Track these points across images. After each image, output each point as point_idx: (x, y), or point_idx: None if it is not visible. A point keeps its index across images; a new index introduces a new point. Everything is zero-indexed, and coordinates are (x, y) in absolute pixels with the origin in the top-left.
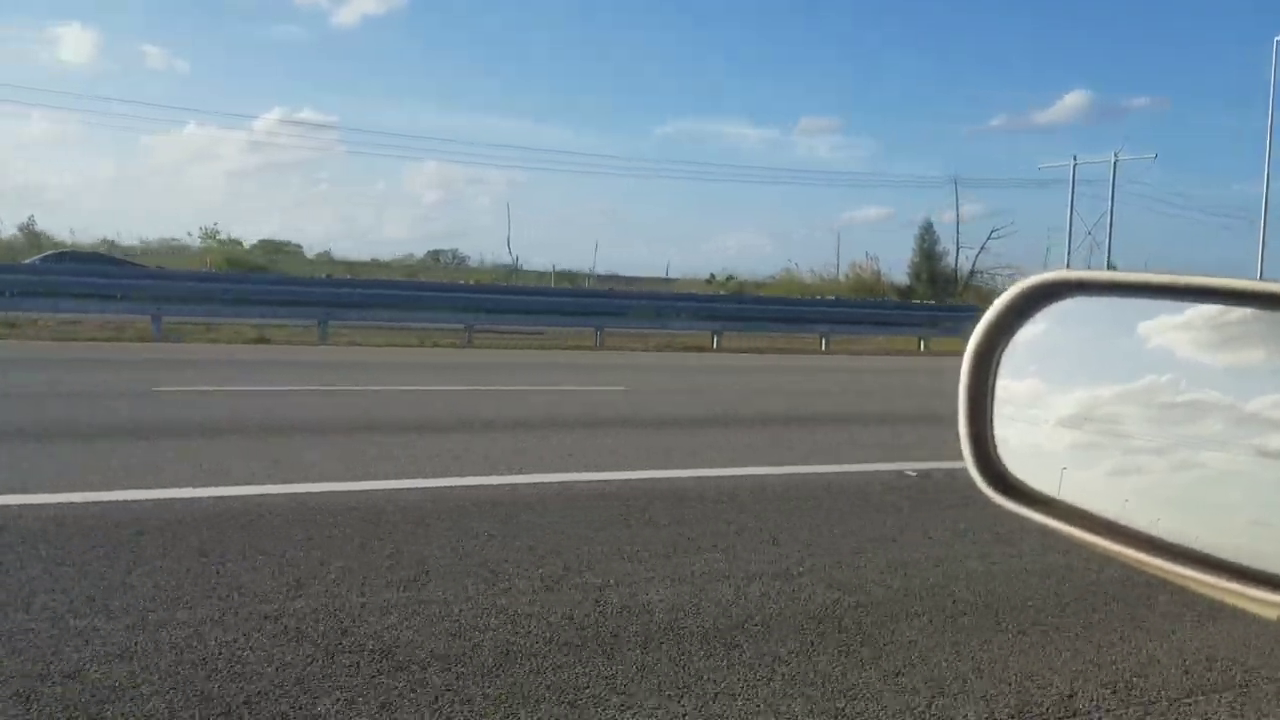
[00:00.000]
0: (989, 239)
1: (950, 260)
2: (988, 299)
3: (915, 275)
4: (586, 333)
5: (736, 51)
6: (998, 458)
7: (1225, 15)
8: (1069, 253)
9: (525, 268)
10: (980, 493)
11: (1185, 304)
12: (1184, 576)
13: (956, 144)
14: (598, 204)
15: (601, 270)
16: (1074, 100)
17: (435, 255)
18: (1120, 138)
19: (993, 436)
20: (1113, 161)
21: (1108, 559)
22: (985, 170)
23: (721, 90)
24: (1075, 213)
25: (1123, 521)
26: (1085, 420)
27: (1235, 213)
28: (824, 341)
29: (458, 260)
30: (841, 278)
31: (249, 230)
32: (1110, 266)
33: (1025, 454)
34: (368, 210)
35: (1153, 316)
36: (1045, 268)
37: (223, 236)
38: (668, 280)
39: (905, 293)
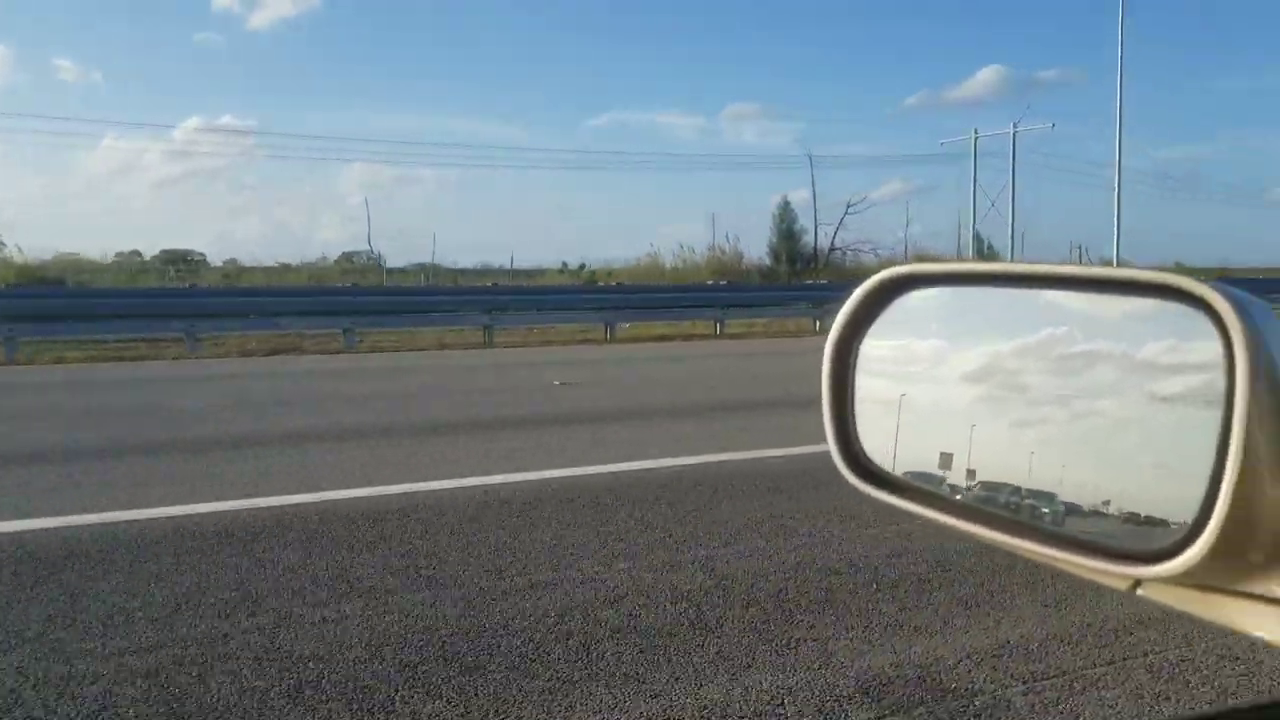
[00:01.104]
0: (845, 215)
1: (810, 239)
2: (847, 275)
3: (775, 255)
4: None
5: (663, 41)
6: (861, 448)
7: None
8: (974, 223)
9: (390, 265)
10: (847, 483)
11: (1016, 289)
12: (1038, 553)
13: (879, 123)
14: (531, 199)
15: (523, 265)
16: (987, 76)
17: (349, 257)
18: (1047, 110)
19: (855, 428)
20: (1012, 133)
21: (966, 540)
22: (908, 147)
23: (650, 80)
24: (979, 185)
25: (978, 505)
26: (947, 399)
27: (1145, 179)
28: (717, 325)
29: (373, 261)
30: (702, 261)
31: (181, 241)
32: (1013, 236)
33: (886, 442)
34: (297, 214)
35: (993, 300)
36: (906, 242)
37: (121, 249)
38: (518, 272)
39: (767, 274)
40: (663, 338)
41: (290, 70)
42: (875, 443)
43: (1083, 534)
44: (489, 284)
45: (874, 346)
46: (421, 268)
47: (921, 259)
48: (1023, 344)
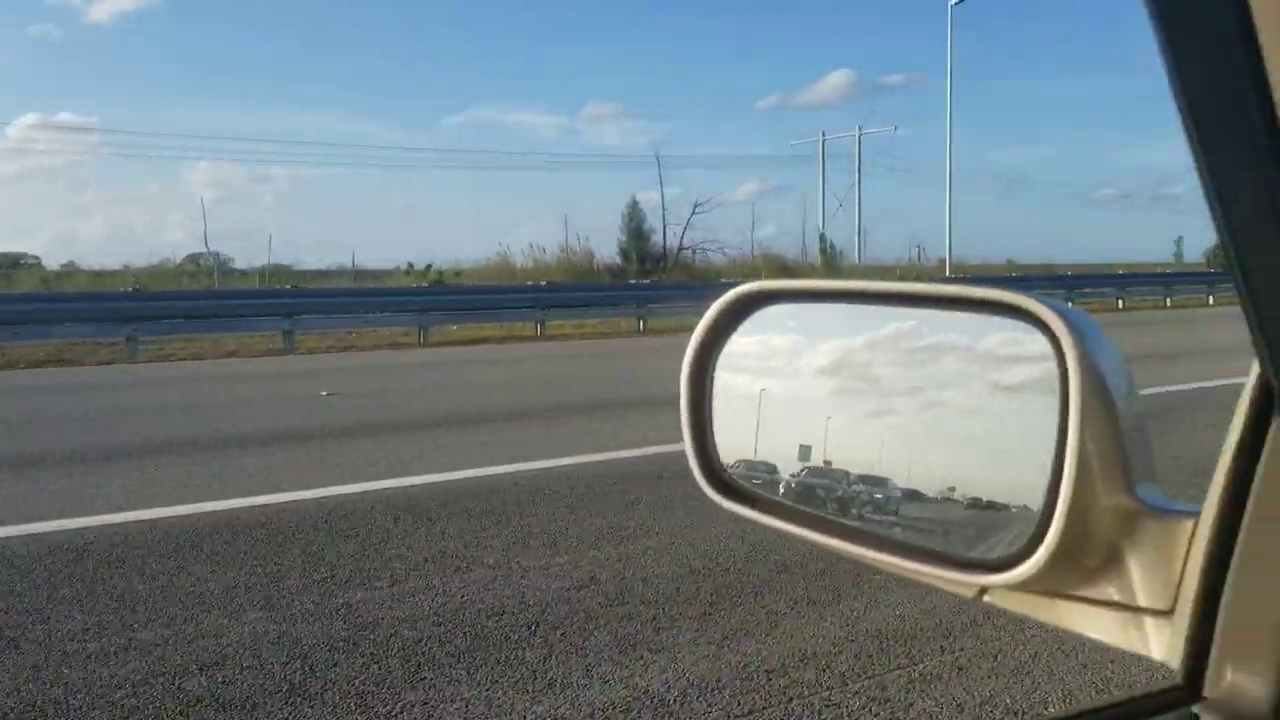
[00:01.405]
0: (693, 215)
1: (660, 238)
2: (697, 275)
3: (625, 255)
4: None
5: (520, 39)
6: (719, 463)
7: None
8: (822, 224)
9: (241, 267)
10: (705, 495)
11: (866, 306)
12: (889, 564)
13: (735, 125)
14: (386, 198)
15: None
16: (837, 79)
17: (195, 259)
18: (893, 113)
19: (714, 443)
20: (857, 136)
21: (818, 550)
22: (764, 148)
23: (509, 79)
24: (827, 186)
25: (830, 517)
26: (804, 392)
27: (984, 180)
28: (539, 327)
29: (221, 263)
30: (552, 261)
31: (18, 243)
32: (860, 236)
33: (747, 439)
34: (143, 215)
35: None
36: (753, 242)
37: None
38: (362, 273)
39: (618, 272)
40: (483, 340)
41: (134, 65)
42: (736, 438)
43: (932, 545)
44: (288, 286)
45: (736, 346)
46: (269, 269)
47: (768, 258)
48: (873, 338)
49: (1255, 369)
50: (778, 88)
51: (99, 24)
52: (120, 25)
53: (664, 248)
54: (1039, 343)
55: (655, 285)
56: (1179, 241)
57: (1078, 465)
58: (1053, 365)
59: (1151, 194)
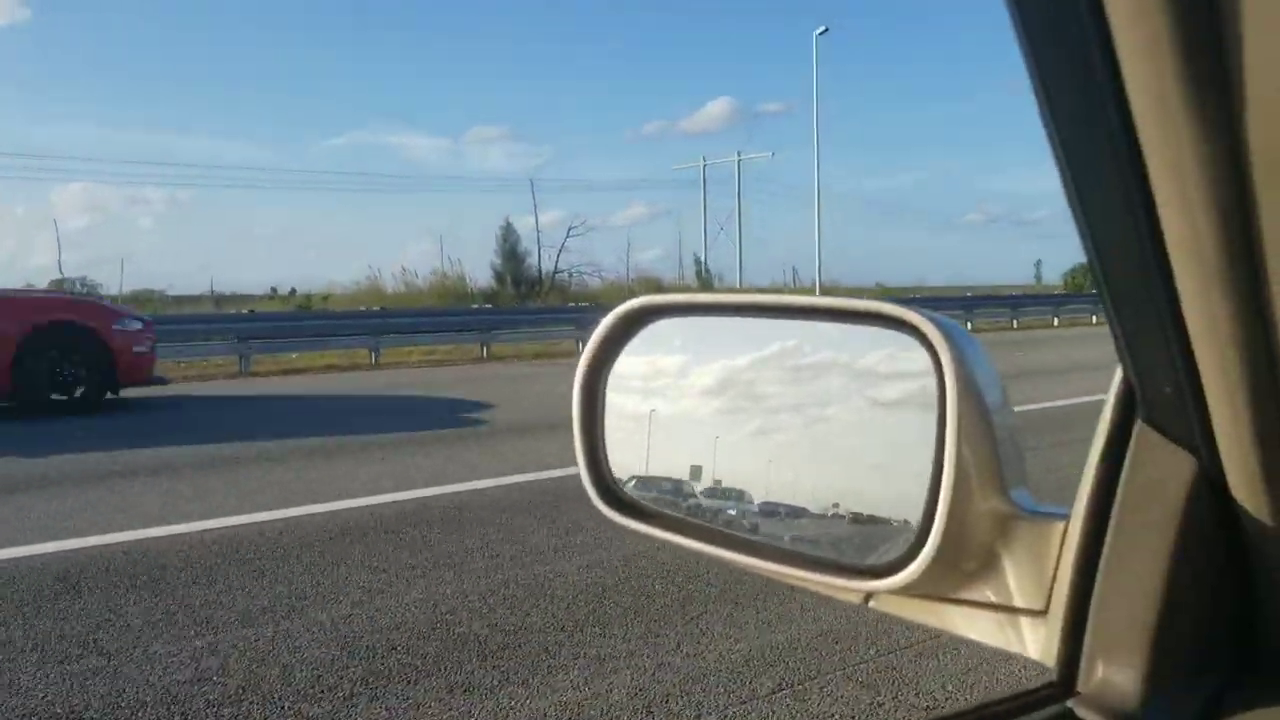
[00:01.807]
0: (567, 238)
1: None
2: (572, 298)
3: (499, 277)
4: None
5: (406, 62)
6: (612, 478)
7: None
8: (705, 247)
9: (111, 292)
10: (599, 512)
11: (750, 318)
12: (776, 572)
13: (620, 149)
14: (268, 220)
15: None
16: (719, 106)
17: (60, 284)
18: (772, 140)
19: (606, 458)
20: (736, 161)
21: (711, 562)
22: (648, 172)
23: (392, 101)
24: (709, 210)
25: (720, 528)
26: (693, 411)
27: (858, 204)
28: (373, 355)
29: (87, 288)
30: (424, 284)
31: None
32: (741, 259)
33: (638, 459)
34: (7, 238)
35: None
36: (628, 264)
37: None
38: (221, 297)
39: (491, 296)
40: (299, 370)
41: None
42: (627, 459)
43: (816, 552)
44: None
45: (624, 367)
46: (126, 296)
47: (645, 281)
48: (758, 356)
49: (1119, 373)
50: (662, 114)
51: None
52: None
53: (539, 271)
54: (918, 357)
55: (497, 310)
56: (1038, 265)
57: (955, 471)
58: (930, 382)
59: (1015, 219)
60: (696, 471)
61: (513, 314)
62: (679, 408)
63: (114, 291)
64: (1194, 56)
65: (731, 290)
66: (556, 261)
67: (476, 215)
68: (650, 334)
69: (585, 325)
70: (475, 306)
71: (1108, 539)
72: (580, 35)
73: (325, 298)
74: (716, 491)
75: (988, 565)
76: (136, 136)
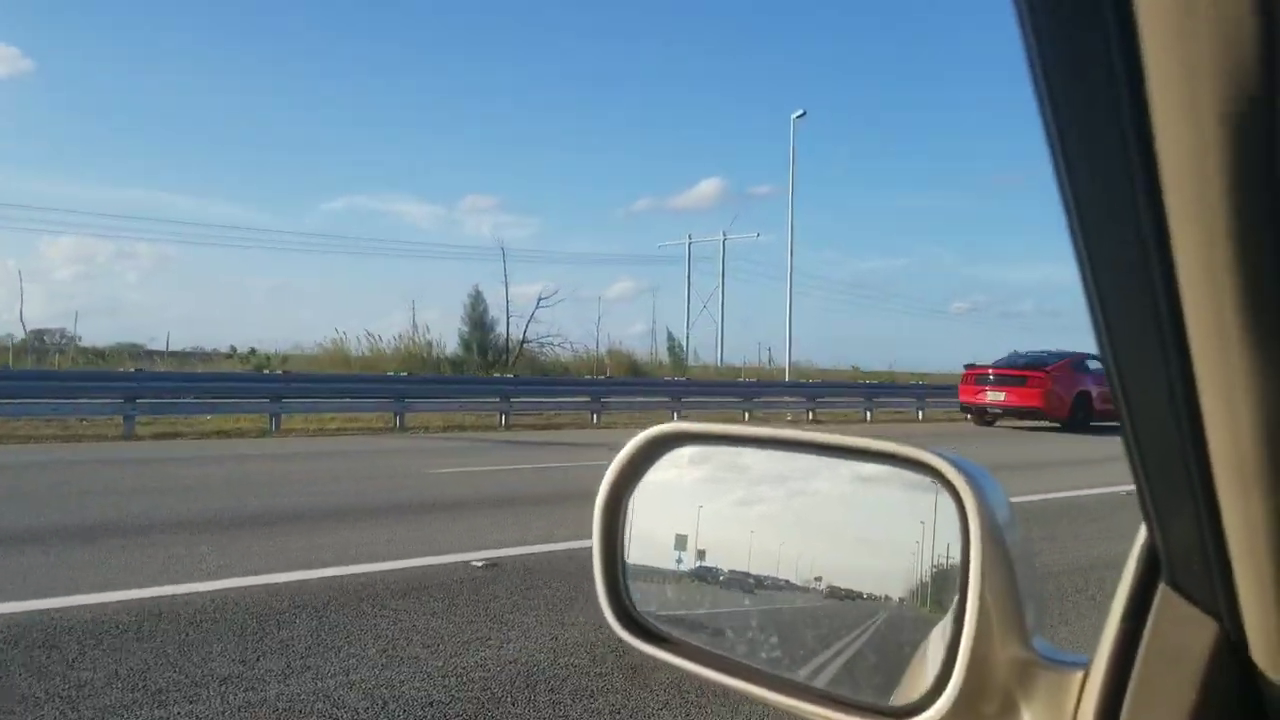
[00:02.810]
0: (536, 308)
1: (503, 330)
2: (541, 369)
3: (466, 345)
4: None
5: (402, 129)
6: (631, 602)
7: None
8: (687, 325)
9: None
10: (618, 637)
11: (773, 451)
12: (796, 708)
13: (610, 224)
14: (259, 280)
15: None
16: (709, 187)
17: (40, 335)
18: (759, 222)
19: (626, 582)
20: (722, 241)
21: (731, 693)
22: (635, 248)
23: (388, 168)
24: (693, 288)
25: (740, 660)
26: (681, 495)
27: (849, 289)
28: (273, 421)
29: (66, 340)
30: (389, 349)
31: None
32: (721, 337)
33: (656, 596)
34: None
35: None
36: (598, 337)
37: None
38: (174, 355)
39: (458, 364)
40: (178, 434)
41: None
42: (648, 600)
43: (839, 692)
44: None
45: (645, 504)
46: (130, 347)
47: (615, 354)
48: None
49: (1143, 532)
50: (652, 191)
51: None
52: None
53: (506, 340)
54: (942, 501)
55: (413, 379)
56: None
57: (978, 618)
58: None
59: (1000, 309)
60: (682, 541)
61: (434, 382)
62: (663, 477)
63: (98, 343)
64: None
65: (702, 371)
66: (525, 331)
67: (464, 282)
68: (669, 461)
69: (509, 395)
70: (391, 373)
71: (1127, 698)
72: (572, 110)
73: (284, 359)
74: (708, 574)
75: (1005, 712)
76: (132, 193)
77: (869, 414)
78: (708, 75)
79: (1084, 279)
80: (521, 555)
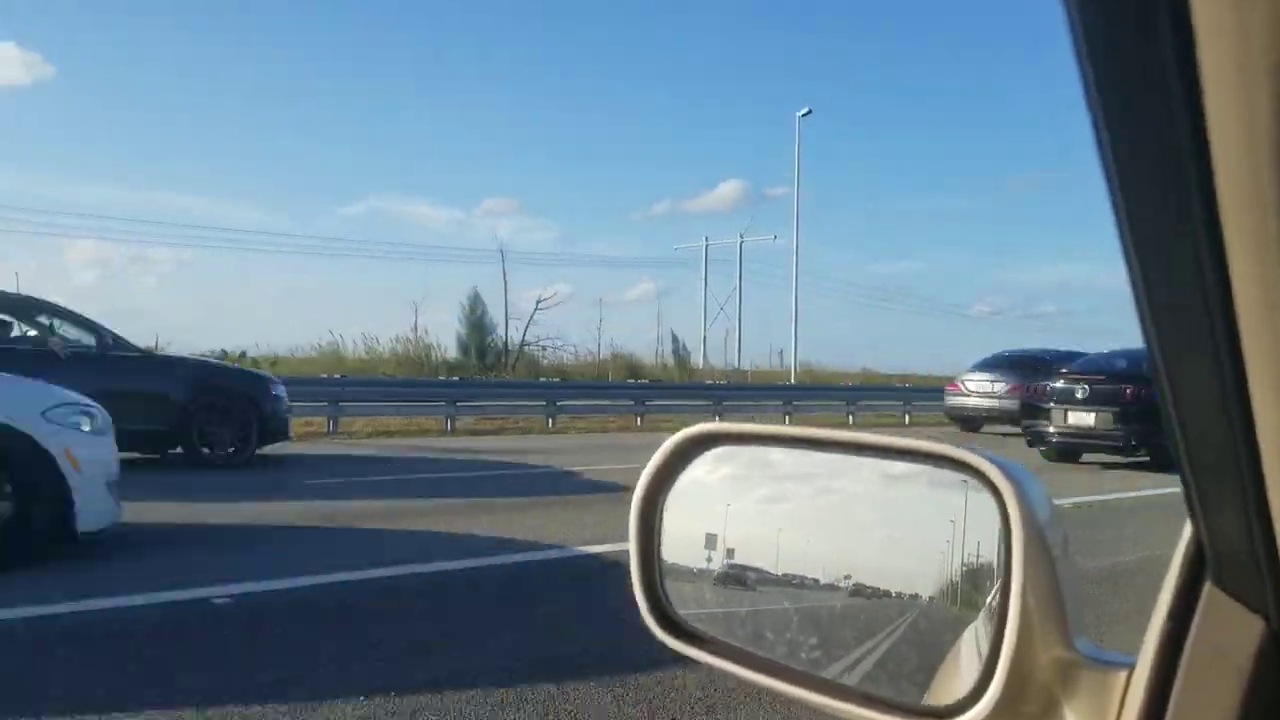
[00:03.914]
0: (535, 311)
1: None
2: (542, 372)
3: (464, 348)
4: None
5: (422, 135)
6: (668, 602)
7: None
8: (704, 328)
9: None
10: (655, 638)
11: (810, 451)
12: (838, 709)
13: (628, 227)
14: (276, 283)
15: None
16: (728, 189)
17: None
18: (778, 223)
19: (663, 582)
20: (739, 243)
21: (770, 693)
22: (654, 250)
23: (406, 172)
24: (709, 290)
25: (779, 660)
26: (709, 493)
27: (871, 292)
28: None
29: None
30: (386, 351)
31: None
32: (739, 341)
33: (692, 595)
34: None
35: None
36: (599, 340)
37: None
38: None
39: (456, 366)
40: None
41: (19, 139)
42: (684, 599)
43: (879, 692)
44: None
45: (681, 504)
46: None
47: (618, 357)
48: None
49: (1188, 530)
50: (671, 193)
51: None
52: (6, 97)
53: (505, 343)
54: (981, 500)
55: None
56: None
57: (1020, 620)
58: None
59: (1022, 311)
60: (712, 540)
61: (479, 385)
62: (691, 474)
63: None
64: None
65: (707, 373)
66: (524, 334)
67: (480, 285)
68: (705, 461)
69: (555, 400)
70: (337, 376)
71: (1172, 697)
72: (588, 114)
73: (273, 362)
74: (741, 575)
75: (1047, 713)
76: (152, 196)
77: (850, 417)
78: (728, 75)
79: (1132, 275)
80: None
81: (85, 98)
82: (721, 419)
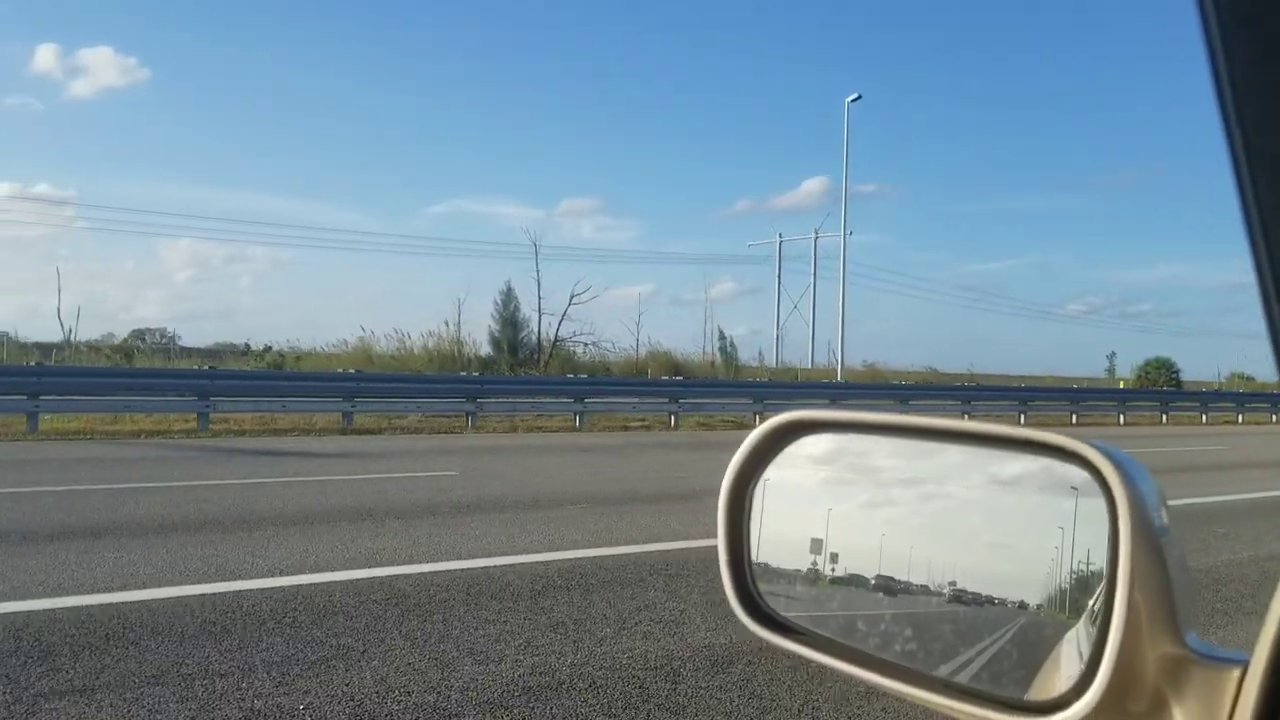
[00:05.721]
0: (569, 305)
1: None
2: (576, 369)
3: (497, 344)
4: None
5: (501, 132)
6: (757, 591)
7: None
8: (777, 325)
9: (82, 340)
10: (744, 627)
11: (907, 440)
12: (934, 703)
13: (710, 225)
14: (370, 282)
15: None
16: (812, 185)
17: (140, 335)
18: (866, 221)
19: (751, 571)
20: (814, 240)
21: (862, 684)
22: (736, 249)
23: (491, 171)
24: (783, 287)
25: (872, 651)
26: (810, 498)
27: (953, 291)
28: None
29: (166, 341)
30: (417, 349)
31: None
32: (813, 336)
33: (784, 591)
34: (117, 289)
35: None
36: (638, 337)
37: None
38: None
39: (488, 363)
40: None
41: (116, 141)
42: (774, 589)
43: (977, 686)
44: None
45: (771, 494)
46: (230, 348)
47: (655, 354)
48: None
49: None
50: (755, 191)
51: (80, 98)
52: (103, 100)
53: (538, 339)
54: (1087, 489)
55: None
56: (1111, 356)
57: (1127, 613)
58: (1051, 464)
59: (1119, 310)
60: (817, 545)
61: (505, 382)
62: (790, 477)
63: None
64: None
65: (755, 371)
66: (557, 330)
67: (550, 282)
68: (794, 458)
69: (582, 396)
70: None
71: None
72: (670, 114)
73: (298, 357)
74: (848, 583)
75: (1155, 710)
76: (246, 197)
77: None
78: (808, 71)
79: (1260, 276)
80: None
81: (180, 99)
82: (761, 418)
